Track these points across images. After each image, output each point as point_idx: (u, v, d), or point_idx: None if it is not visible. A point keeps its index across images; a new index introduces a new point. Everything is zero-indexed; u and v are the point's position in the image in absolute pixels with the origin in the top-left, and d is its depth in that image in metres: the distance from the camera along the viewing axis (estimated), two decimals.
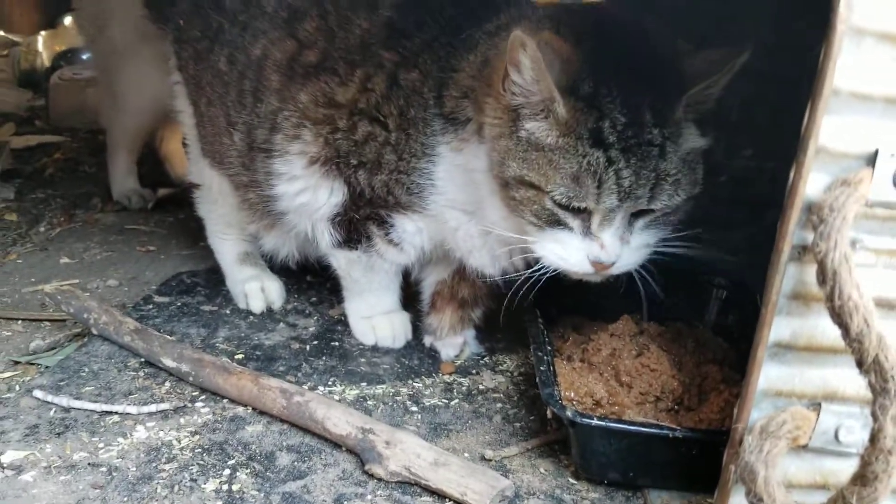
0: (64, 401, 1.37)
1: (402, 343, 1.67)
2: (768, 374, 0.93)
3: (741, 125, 1.82)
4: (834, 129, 0.85)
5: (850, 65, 0.83)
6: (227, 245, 1.89)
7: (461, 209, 1.41)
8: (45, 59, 4.58)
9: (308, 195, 1.52)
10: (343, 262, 1.61)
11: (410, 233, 1.49)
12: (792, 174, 0.87)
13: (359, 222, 1.51)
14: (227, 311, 1.80)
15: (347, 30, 1.46)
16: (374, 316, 1.68)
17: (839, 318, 0.83)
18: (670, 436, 1.16)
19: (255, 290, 1.82)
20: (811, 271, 0.87)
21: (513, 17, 1.35)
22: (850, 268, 0.83)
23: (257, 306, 1.80)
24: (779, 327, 0.91)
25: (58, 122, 3.66)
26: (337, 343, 1.68)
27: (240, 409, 1.40)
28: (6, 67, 4.75)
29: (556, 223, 1.22)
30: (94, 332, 1.58)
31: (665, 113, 1.17)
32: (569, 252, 1.23)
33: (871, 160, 0.86)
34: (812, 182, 0.86)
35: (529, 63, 1.13)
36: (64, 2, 6.61)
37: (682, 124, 1.19)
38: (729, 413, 1.23)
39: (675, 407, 1.35)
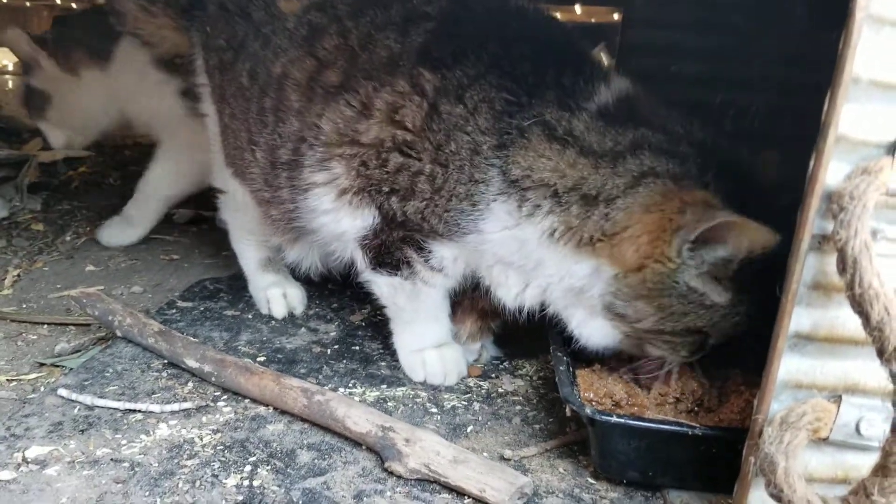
0: (88, 399, 1.39)
1: (454, 381, 1.56)
2: (788, 366, 0.93)
3: (767, 135, 1.82)
4: (854, 117, 0.85)
5: (869, 53, 0.83)
6: (250, 250, 1.89)
7: (504, 261, 1.37)
8: None
9: (335, 221, 1.49)
10: (385, 289, 1.53)
11: (450, 259, 1.44)
12: (812, 163, 0.87)
13: (392, 244, 1.45)
14: (249, 316, 1.82)
15: (371, 50, 1.43)
16: (425, 349, 1.57)
17: (859, 306, 0.83)
18: (690, 434, 1.15)
19: (278, 295, 1.83)
20: (831, 261, 0.87)
21: (604, 146, 1.27)
22: (871, 256, 0.83)
23: (279, 312, 1.82)
24: (799, 318, 0.91)
25: None
26: (357, 347, 1.69)
27: (261, 409, 1.41)
28: None
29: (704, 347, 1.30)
30: (119, 333, 1.60)
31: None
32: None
33: (892, 149, 0.86)
34: (832, 171, 0.87)
35: (740, 245, 1.15)
36: None
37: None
38: (749, 413, 1.22)
39: (695, 408, 1.34)
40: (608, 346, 1.34)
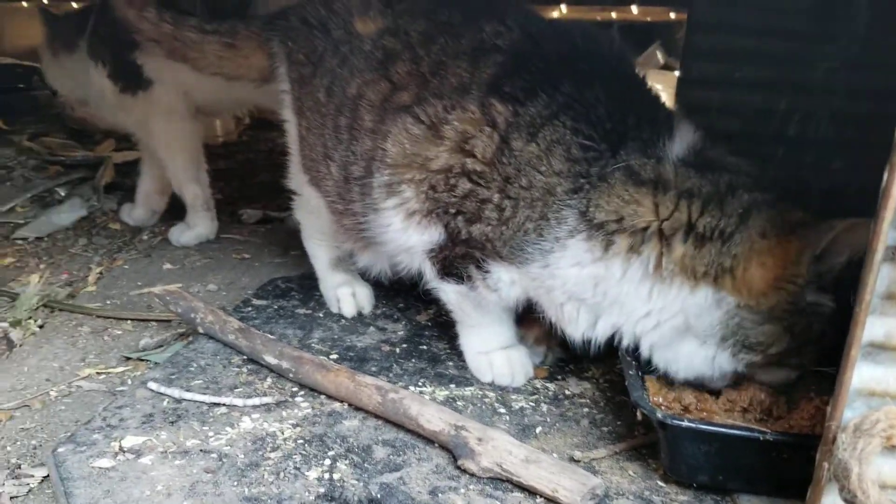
0: (176, 392, 1.46)
1: (521, 382, 1.59)
2: (861, 374, 0.95)
3: (831, 140, 1.82)
4: None
5: None
6: (321, 250, 1.95)
7: (577, 298, 1.39)
8: None
9: (403, 237, 1.53)
10: (452, 296, 1.57)
11: (506, 283, 1.46)
12: (885, 176, 0.89)
13: (454, 259, 1.49)
14: (321, 315, 1.88)
15: (442, 77, 1.47)
16: (491, 351, 1.61)
17: None
18: (761, 438, 1.17)
19: (347, 294, 1.90)
20: None
21: (700, 184, 1.31)
22: None
23: (348, 311, 1.88)
24: (872, 327, 0.93)
25: None
26: (425, 347, 1.74)
27: (337, 405, 1.47)
28: None
29: None
30: (201, 330, 1.68)
31: None
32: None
33: None
34: None
35: (848, 250, 1.21)
36: None
37: None
38: (819, 420, 1.24)
39: (764, 417, 1.35)
40: (708, 377, 1.35)
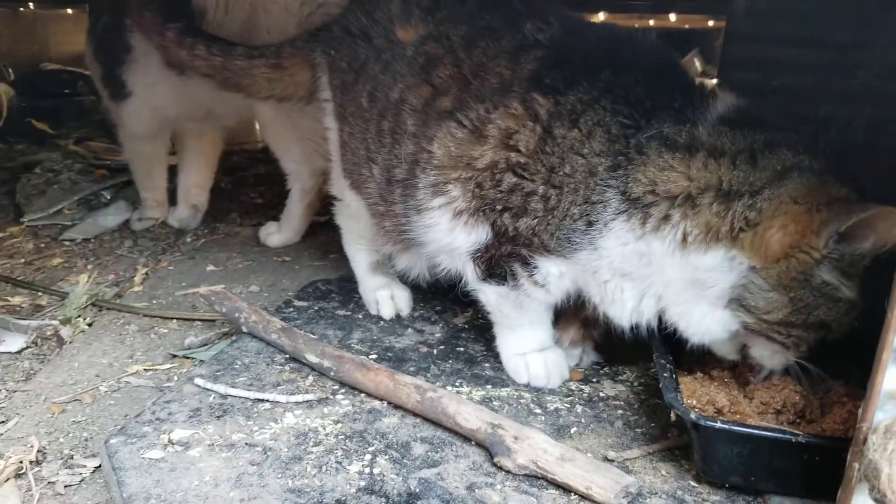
0: (221, 388, 1.52)
1: (556, 383, 1.62)
2: (893, 378, 0.97)
3: (867, 147, 1.83)
4: None
5: None
6: (361, 254, 2.00)
7: (621, 273, 1.41)
8: None
9: (449, 237, 1.56)
10: (493, 297, 1.60)
11: (555, 276, 1.49)
12: None
13: (501, 258, 1.52)
14: (360, 316, 1.93)
15: (483, 78, 1.51)
16: (528, 353, 1.63)
17: None
18: (793, 441, 1.19)
19: (386, 297, 1.94)
20: None
21: (733, 140, 1.33)
22: None
23: (387, 313, 1.92)
24: None
25: None
26: (462, 348, 1.78)
27: (376, 403, 1.51)
28: None
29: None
30: (244, 329, 1.73)
31: None
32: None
33: None
34: None
35: (877, 240, 1.21)
36: None
37: None
38: (852, 424, 1.25)
39: (797, 420, 1.37)
40: (721, 339, 1.37)
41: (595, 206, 1.37)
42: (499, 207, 1.46)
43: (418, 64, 1.61)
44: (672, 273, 1.35)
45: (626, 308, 1.44)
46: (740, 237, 1.27)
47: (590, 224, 1.38)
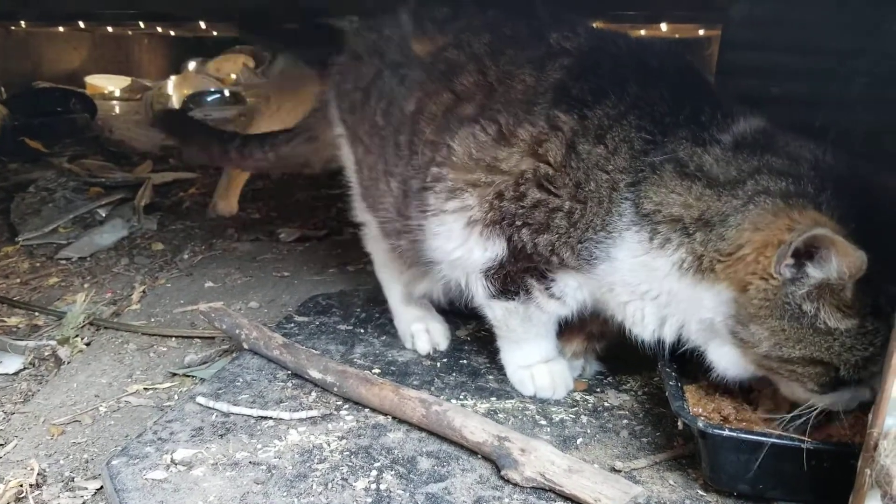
0: (223, 406, 1.50)
1: (562, 394, 1.60)
2: None
3: (868, 153, 1.83)
4: None
5: None
6: (395, 284, 1.91)
7: (638, 292, 1.39)
8: (175, 101, 4.93)
9: (463, 251, 1.52)
10: (500, 312, 1.58)
11: (573, 287, 1.47)
12: None
13: (515, 275, 1.49)
14: (361, 331, 1.92)
15: (509, 85, 1.49)
16: (533, 365, 1.62)
17: None
18: (801, 447, 1.19)
19: (421, 331, 1.83)
20: None
21: (727, 174, 1.30)
22: None
23: (423, 348, 1.81)
24: None
25: (189, 159, 3.93)
26: (465, 361, 1.77)
27: (381, 418, 1.50)
28: (140, 110, 5.13)
29: (839, 386, 1.24)
30: (245, 346, 1.72)
31: None
32: (842, 400, 1.26)
33: None
34: None
35: (842, 265, 1.12)
36: (188, 49, 7.11)
37: None
38: (859, 430, 1.25)
39: (804, 427, 1.36)
40: (742, 377, 1.34)
41: (613, 216, 1.35)
42: (518, 223, 1.43)
43: (439, 71, 1.59)
44: (684, 303, 1.33)
45: (647, 329, 1.42)
46: (717, 269, 1.26)
47: (608, 234, 1.36)
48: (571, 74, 1.45)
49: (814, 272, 1.16)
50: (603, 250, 1.37)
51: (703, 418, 1.32)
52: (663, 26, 4.33)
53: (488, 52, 1.56)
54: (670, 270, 1.32)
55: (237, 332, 1.73)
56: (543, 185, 1.40)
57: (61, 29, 5.52)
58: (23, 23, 4.92)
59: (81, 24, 5.00)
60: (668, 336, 1.39)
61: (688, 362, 1.49)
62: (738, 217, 1.25)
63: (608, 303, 1.46)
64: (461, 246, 1.52)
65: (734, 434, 1.23)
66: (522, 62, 1.50)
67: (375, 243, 1.94)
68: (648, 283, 1.36)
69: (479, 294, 1.57)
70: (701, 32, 4.62)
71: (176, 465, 1.33)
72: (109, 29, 5.84)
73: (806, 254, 1.16)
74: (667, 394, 1.34)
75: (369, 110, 1.72)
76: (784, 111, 1.86)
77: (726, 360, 1.32)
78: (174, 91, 5.08)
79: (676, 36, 4.79)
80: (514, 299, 1.53)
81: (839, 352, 1.20)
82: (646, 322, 1.40)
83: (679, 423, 1.29)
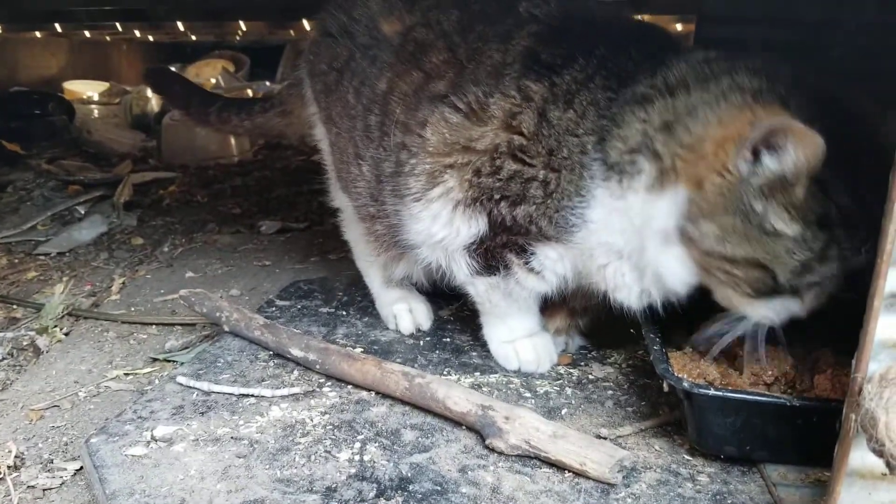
0: (205, 385, 1.48)
1: (546, 367, 1.60)
2: (885, 325, 0.95)
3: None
4: None
5: None
6: (373, 269, 1.90)
7: (615, 250, 1.38)
8: (154, 104, 4.90)
9: (449, 231, 1.50)
10: (482, 287, 1.56)
11: (552, 259, 1.45)
12: None
13: (495, 250, 1.49)
14: (344, 313, 1.90)
15: (479, 62, 1.47)
16: (517, 340, 1.62)
17: None
18: (787, 405, 1.18)
19: (404, 311, 1.82)
20: None
21: (696, 74, 1.29)
22: None
23: (406, 327, 1.81)
24: (895, 278, 0.94)
25: (170, 159, 3.92)
26: (449, 339, 1.76)
27: (364, 393, 1.48)
28: (119, 113, 5.09)
29: (772, 294, 1.23)
30: (226, 328, 1.70)
31: (878, 188, 1.12)
32: (774, 311, 1.25)
33: None
34: None
35: (798, 157, 1.10)
36: (168, 53, 7.07)
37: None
38: (840, 389, 1.25)
39: (788, 391, 1.36)
40: (687, 282, 1.31)
41: (585, 179, 1.34)
42: (497, 196, 1.42)
43: (407, 52, 1.58)
44: (650, 229, 1.30)
45: (632, 292, 1.40)
46: (677, 166, 1.24)
47: (582, 197, 1.35)
48: (540, 40, 1.44)
49: (770, 163, 1.14)
50: (579, 216, 1.36)
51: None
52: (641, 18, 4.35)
53: (458, 29, 1.55)
54: (641, 204, 1.30)
55: (217, 314, 1.71)
56: (517, 155, 1.39)
57: (38, 34, 5.47)
58: None
59: (58, 28, 4.95)
60: (653, 291, 1.38)
61: (672, 331, 1.49)
62: (706, 110, 1.23)
63: (590, 272, 1.44)
64: (447, 226, 1.49)
65: (719, 394, 1.22)
66: (491, 37, 1.49)
67: (352, 228, 1.93)
68: (623, 234, 1.34)
69: (462, 272, 1.55)
70: (679, 27, 4.65)
71: (156, 441, 1.31)
72: (87, 34, 5.79)
73: (765, 147, 1.13)
74: (651, 358, 1.33)
75: (343, 91, 1.70)
76: None
77: (673, 263, 1.29)
78: (153, 94, 5.03)
79: None
80: (495, 274, 1.51)
81: (779, 255, 1.18)
82: (627, 281, 1.39)
83: (664, 386, 1.28)
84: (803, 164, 1.10)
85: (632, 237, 1.34)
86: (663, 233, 1.29)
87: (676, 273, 1.30)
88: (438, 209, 1.49)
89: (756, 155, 1.15)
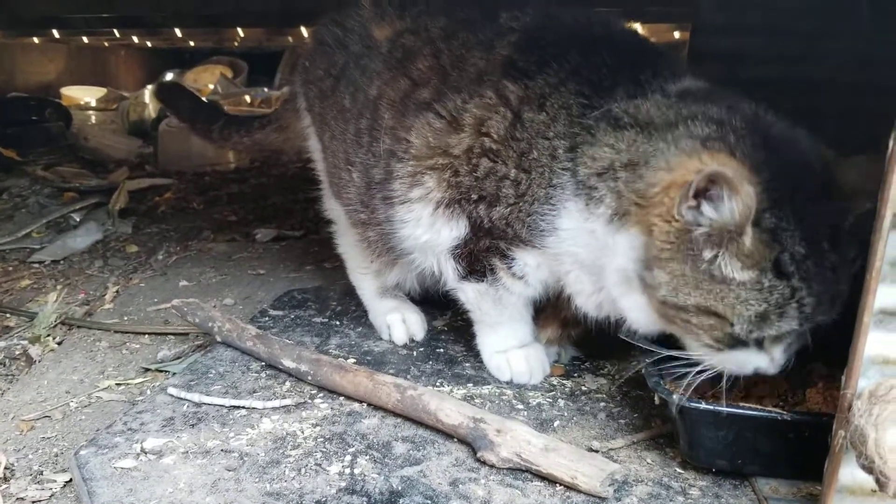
0: (195, 397, 1.48)
1: (539, 379, 1.60)
2: (874, 342, 0.95)
3: (839, 138, 1.83)
4: None
5: None
6: (366, 280, 1.90)
7: (578, 261, 1.39)
8: (151, 110, 4.90)
9: (431, 233, 1.53)
10: (472, 294, 1.58)
11: (532, 266, 1.47)
12: (891, 143, 0.90)
13: (479, 253, 1.50)
14: (337, 323, 1.90)
15: (461, 69, 1.50)
16: (509, 350, 1.62)
17: None
18: (779, 419, 1.18)
19: (397, 321, 1.82)
20: None
21: (663, 117, 1.29)
22: None
23: (399, 338, 1.80)
24: (883, 295, 0.94)
25: (166, 165, 3.92)
26: (442, 350, 1.75)
27: (355, 405, 1.48)
28: (116, 119, 5.10)
29: (734, 345, 1.22)
30: (218, 339, 1.69)
31: (839, 236, 1.17)
32: (737, 363, 1.24)
33: None
34: None
35: (735, 206, 1.10)
36: (166, 59, 7.08)
37: (849, 240, 1.18)
38: (831, 404, 1.25)
39: (780, 404, 1.36)
40: (650, 329, 1.31)
41: (555, 189, 1.35)
42: (474, 197, 1.44)
43: (395, 58, 1.60)
44: (611, 263, 1.31)
45: (590, 301, 1.43)
46: (631, 210, 1.25)
47: (552, 206, 1.36)
48: (518, 49, 1.46)
49: (709, 211, 1.13)
50: (549, 222, 1.38)
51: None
52: (638, 27, 4.36)
53: (443, 35, 1.57)
54: (603, 235, 1.31)
55: (210, 324, 1.71)
56: (490, 156, 1.41)
57: (36, 40, 5.48)
58: None
59: (56, 34, 4.96)
60: (605, 307, 1.39)
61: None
62: (659, 158, 1.24)
63: (562, 278, 1.46)
64: (430, 229, 1.52)
65: (711, 407, 1.22)
66: (473, 44, 1.52)
67: (345, 240, 1.94)
68: (588, 250, 1.36)
69: (450, 276, 1.57)
70: (676, 35, 4.65)
71: (146, 453, 1.31)
72: (85, 40, 5.80)
73: (703, 196, 1.13)
74: (643, 371, 1.32)
75: (339, 96, 1.72)
76: (753, 94, 1.88)
77: (636, 310, 1.30)
78: (151, 100, 5.03)
79: (652, 40, 4.81)
80: (482, 280, 1.53)
81: (732, 304, 1.16)
82: (586, 291, 1.41)
83: (656, 399, 1.28)
84: (741, 213, 1.10)
85: (597, 255, 1.35)
86: (623, 274, 1.29)
87: (640, 321, 1.32)
88: (420, 210, 1.52)
89: (699, 202, 1.15)
